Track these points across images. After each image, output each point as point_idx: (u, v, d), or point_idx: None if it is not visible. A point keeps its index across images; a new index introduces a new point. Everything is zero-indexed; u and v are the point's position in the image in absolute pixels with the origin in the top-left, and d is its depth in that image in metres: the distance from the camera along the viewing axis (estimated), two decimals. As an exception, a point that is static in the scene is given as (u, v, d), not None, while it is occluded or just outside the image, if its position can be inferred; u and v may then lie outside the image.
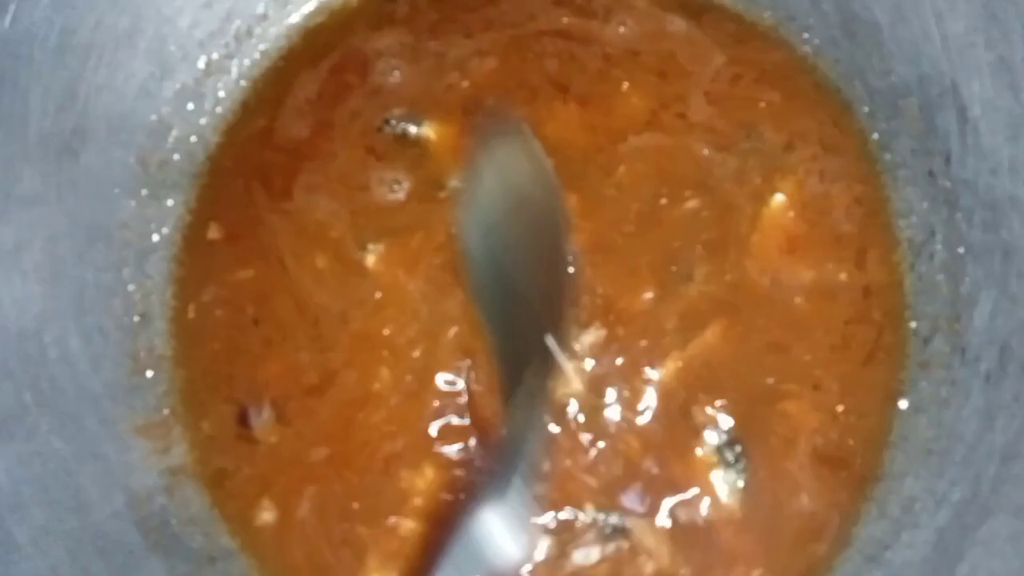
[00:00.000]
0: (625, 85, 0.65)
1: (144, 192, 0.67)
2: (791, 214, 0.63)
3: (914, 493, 0.60)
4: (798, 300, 0.62)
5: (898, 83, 0.64)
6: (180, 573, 0.61)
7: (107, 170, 0.65)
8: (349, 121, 0.66)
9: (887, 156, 0.66)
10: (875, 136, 0.66)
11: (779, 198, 0.63)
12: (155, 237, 0.67)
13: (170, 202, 0.68)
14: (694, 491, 0.58)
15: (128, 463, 0.63)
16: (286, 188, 0.65)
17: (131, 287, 0.66)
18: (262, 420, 0.60)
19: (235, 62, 0.70)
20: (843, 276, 0.63)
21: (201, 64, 0.69)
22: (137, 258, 0.67)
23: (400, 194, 0.63)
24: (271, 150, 0.66)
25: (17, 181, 0.59)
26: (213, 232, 0.66)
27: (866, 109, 0.67)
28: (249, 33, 0.70)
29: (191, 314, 0.65)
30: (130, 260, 0.67)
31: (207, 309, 0.65)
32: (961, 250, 0.61)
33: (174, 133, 0.68)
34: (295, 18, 0.71)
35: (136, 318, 0.66)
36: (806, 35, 0.68)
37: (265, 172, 0.66)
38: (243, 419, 0.61)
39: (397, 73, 0.66)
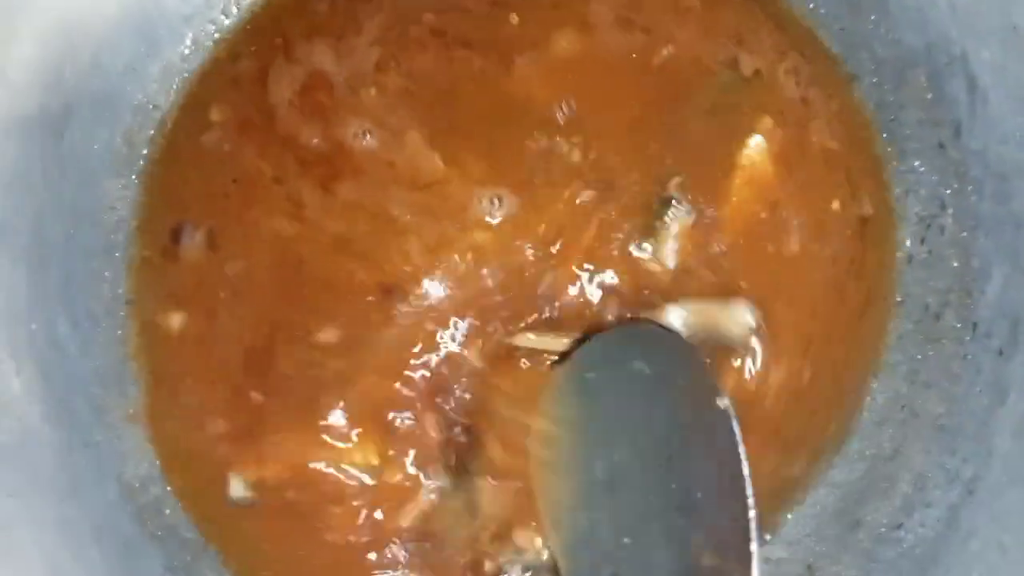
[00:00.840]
0: (514, 18, 0.63)
1: (131, 173, 0.66)
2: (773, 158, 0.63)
3: (925, 470, 0.60)
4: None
5: (905, 52, 0.64)
6: (178, 562, 0.61)
7: (92, 151, 0.64)
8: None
9: (895, 127, 0.66)
10: (881, 107, 0.66)
11: (757, 140, 0.62)
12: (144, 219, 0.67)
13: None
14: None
15: (121, 452, 0.63)
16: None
17: (121, 271, 0.66)
18: (193, 241, 0.63)
19: (222, 39, 0.69)
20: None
21: (188, 41, 0.68)
22: (125, 241, 0.66)
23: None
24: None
25: (1, 162, 0.58)
26: (215, 114, 0.66)
27: (873, 80, 0.66)
28: (238, 7, 0.69)
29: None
30: (119, 244, 0.66)
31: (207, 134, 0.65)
32: (972, 223, 0.61)
33: (160, 112, 0.67)
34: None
35: (126, 304, 0.66)
36: (811, 4, 0.68)
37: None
38: (176, 236, 0.64)
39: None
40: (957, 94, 0.61)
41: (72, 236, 0.63)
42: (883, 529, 0.60)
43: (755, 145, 0.62)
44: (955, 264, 0.62)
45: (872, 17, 0.65)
